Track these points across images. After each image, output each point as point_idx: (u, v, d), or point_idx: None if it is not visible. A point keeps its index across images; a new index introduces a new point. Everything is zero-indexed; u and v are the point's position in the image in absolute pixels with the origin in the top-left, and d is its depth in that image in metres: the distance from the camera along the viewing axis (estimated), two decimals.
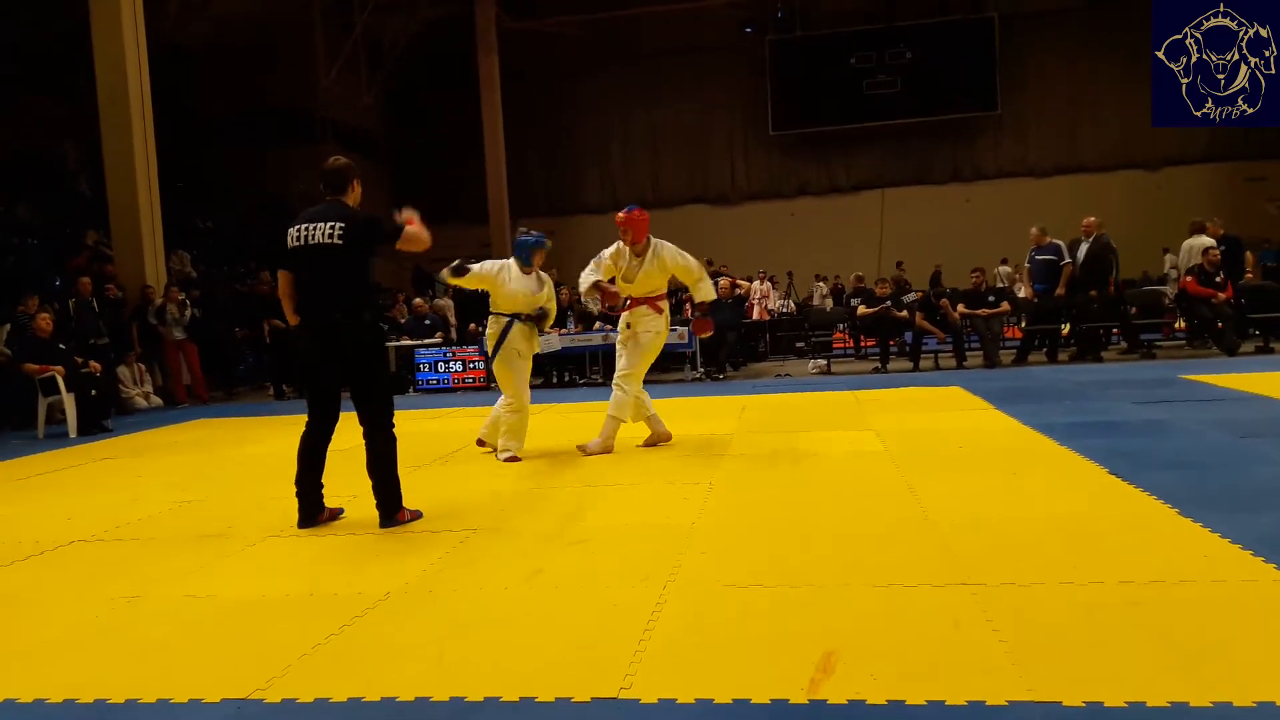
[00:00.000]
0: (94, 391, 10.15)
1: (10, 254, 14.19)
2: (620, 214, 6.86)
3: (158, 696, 2.79)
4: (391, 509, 4.79)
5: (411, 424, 8.97)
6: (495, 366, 6.87)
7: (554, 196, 26.75)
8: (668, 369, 13.63)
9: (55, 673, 3.04)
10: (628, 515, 4.82)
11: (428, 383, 13.05)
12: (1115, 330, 12.87)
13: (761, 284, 17.37)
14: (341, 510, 5.09)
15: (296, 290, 4.71)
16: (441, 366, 13.06)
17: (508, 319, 6.76)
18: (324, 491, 4.95)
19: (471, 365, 12.97)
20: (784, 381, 11.74)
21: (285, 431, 8.71)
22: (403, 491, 4.88)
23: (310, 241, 4.57)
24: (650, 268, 6.83)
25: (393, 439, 4.82)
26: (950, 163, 25.47)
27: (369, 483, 4.85)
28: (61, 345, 10.38)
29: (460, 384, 12.93)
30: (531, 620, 3.28)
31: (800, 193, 26.08)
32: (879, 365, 12.41)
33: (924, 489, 4.92)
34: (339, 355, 4.68)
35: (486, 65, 23.44)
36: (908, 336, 12.52)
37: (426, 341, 13.49)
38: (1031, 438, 6.37)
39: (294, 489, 4.87)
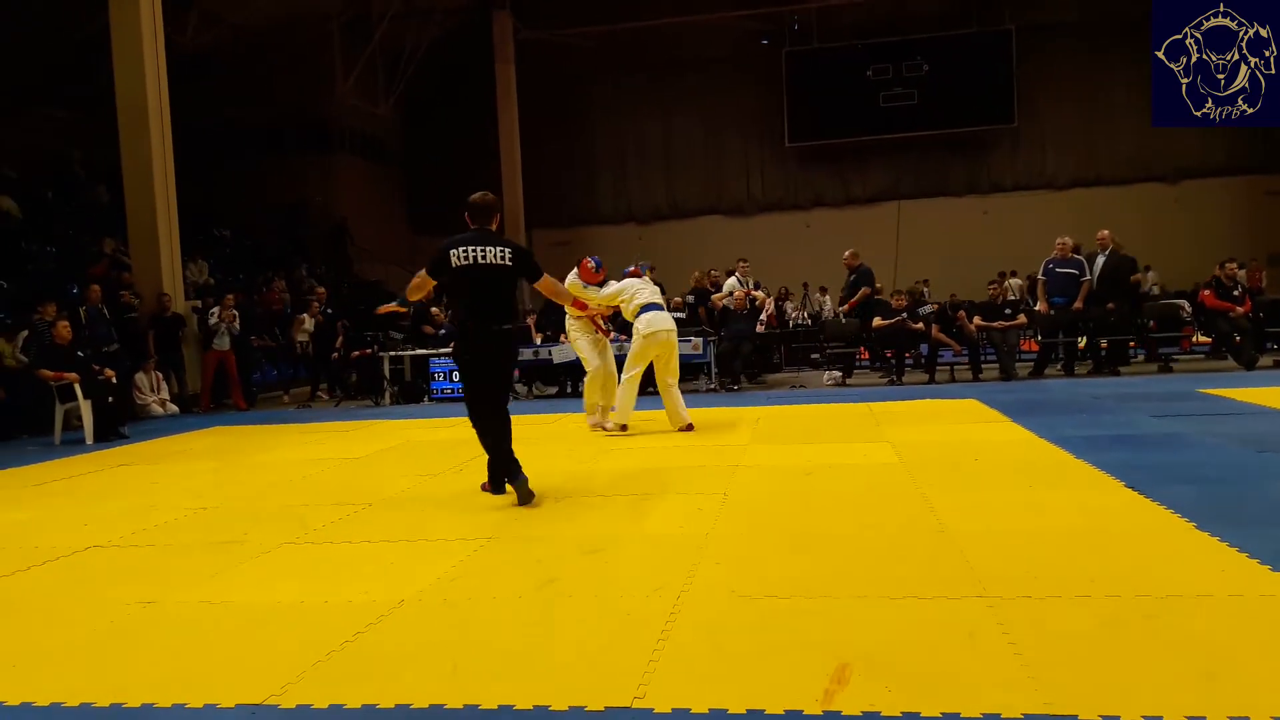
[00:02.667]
0: (110, 398, 10.22)
1: (29, 261, 14.32)
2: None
3: (173, 701, 2.81)
4: (512, 471, 5.45)
5: (426, 433, 9.04)
6: None
7: (569, 206, 26.80)
8: (682, 379, 13.61)
9: (72, 677, 3.06)
10: (642, 525, 4.82)
11: (442, 392, 13.07)
12: (1132, 344, 12.79)
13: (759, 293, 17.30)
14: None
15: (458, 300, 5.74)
16: (456, 376, 13.08)
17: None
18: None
19: None
20: (799, 393, 11.71)
21: (301, 440, 8.76)
22: (414, 497, 4.92)
23: (481, 261, 5.38)
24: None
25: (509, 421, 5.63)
26: (966, 175, 25.40)
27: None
28: (80, 353, 10.45)
29: None
30: (545, 629, 3.28)
31: (815, 204, 26.05)
32: (894, 377, 12.37)
33: (939, 501, 4.90)
34: (499, 356, 5.59)
35: (503, 75, 23.56)
36: (923, 348, 12.47)
37: (441, 351, 13.52)
38: (1048, 450, 6.33)
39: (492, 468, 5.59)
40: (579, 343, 8.70)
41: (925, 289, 19.96)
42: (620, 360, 8.66)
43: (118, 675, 3.06)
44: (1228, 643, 2.85)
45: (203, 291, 14.91)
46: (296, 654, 3.13)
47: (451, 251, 5.40)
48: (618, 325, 10.14)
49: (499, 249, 5.41)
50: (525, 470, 5.37)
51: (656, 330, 8.14)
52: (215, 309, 13.14)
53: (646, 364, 8.38)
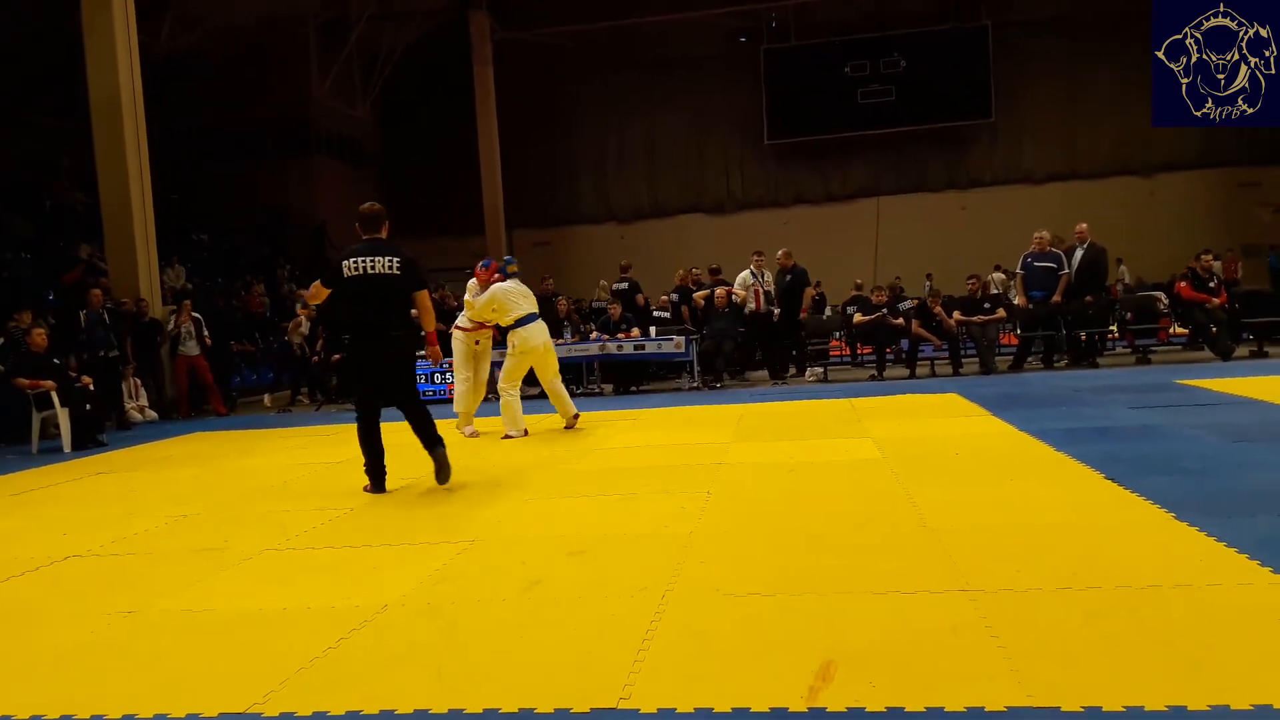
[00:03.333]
0: (88, 406, 10.12)
1: (4, 268, 14.18)
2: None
3: (155, 711, 2.78)
4: (437, 441, 6.00)
5: (407, 436, 8.97)
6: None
7: (550, 207, 26.78)
8: (666, 377, 13.64)
9: (52, 688, 3.03)
10: (626, 525, 4.82)
11: (424, 394, 13.01)
12: (1110, 335, 12.90)
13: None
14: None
15: (348, 309, 5.92)
16: (438, 378, 13.04)
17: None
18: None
19: None
20: (781, 390, 11.74)
21: (281, 445, 8.72)
22: (397, 500, 4.93)
23: (370, 271, 5.75)
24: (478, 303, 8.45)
25: (426, 409, 6.11)
26: (945, 170, 25.54)
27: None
28: (55, 360, 10.35)
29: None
30: (530, 631, 3.28)
31: (796, 201, 26.13)
32: (875, 373, 12.42)
33: (921, 496, 4.92)
34: (392, 360, 5.98)
35: (481, 76, 23.50)
36: (904, 344, 12.53)
37: (419, 353, 13.47)
38: (1028, 444, 6.38)
39: (366, 465, 6.03)
40: (456, 350, 8.79)
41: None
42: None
43: (99, 685, 3.03)
44: (1207, 632, 2.88)
45: (180, 296, 14.79)
46: (280, 661, 3.11)
47: (344, 263, 5.81)
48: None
49: (388, 259, 5.80)
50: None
51: (534, 346, 8.32)
52: (173, 315, 12.99)
53: (524, 375, 8.56)
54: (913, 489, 5.11)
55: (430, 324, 6.24)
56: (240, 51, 20.78)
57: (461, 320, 8.75)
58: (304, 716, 2.70)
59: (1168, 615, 3.04)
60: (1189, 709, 2.37)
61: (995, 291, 14.48)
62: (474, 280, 8.55)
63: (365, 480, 6.02)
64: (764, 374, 13.32)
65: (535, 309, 8.49)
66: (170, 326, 12.86)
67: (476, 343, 8.74)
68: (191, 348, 12.85)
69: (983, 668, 2.71)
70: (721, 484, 5.67)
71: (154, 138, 13.49)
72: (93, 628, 3.63)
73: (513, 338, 8.30)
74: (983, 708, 2.45)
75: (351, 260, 5.80)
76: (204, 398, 13.26)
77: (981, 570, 3.59)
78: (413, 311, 6.10)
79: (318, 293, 6.09)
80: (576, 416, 8.77)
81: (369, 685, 2.88)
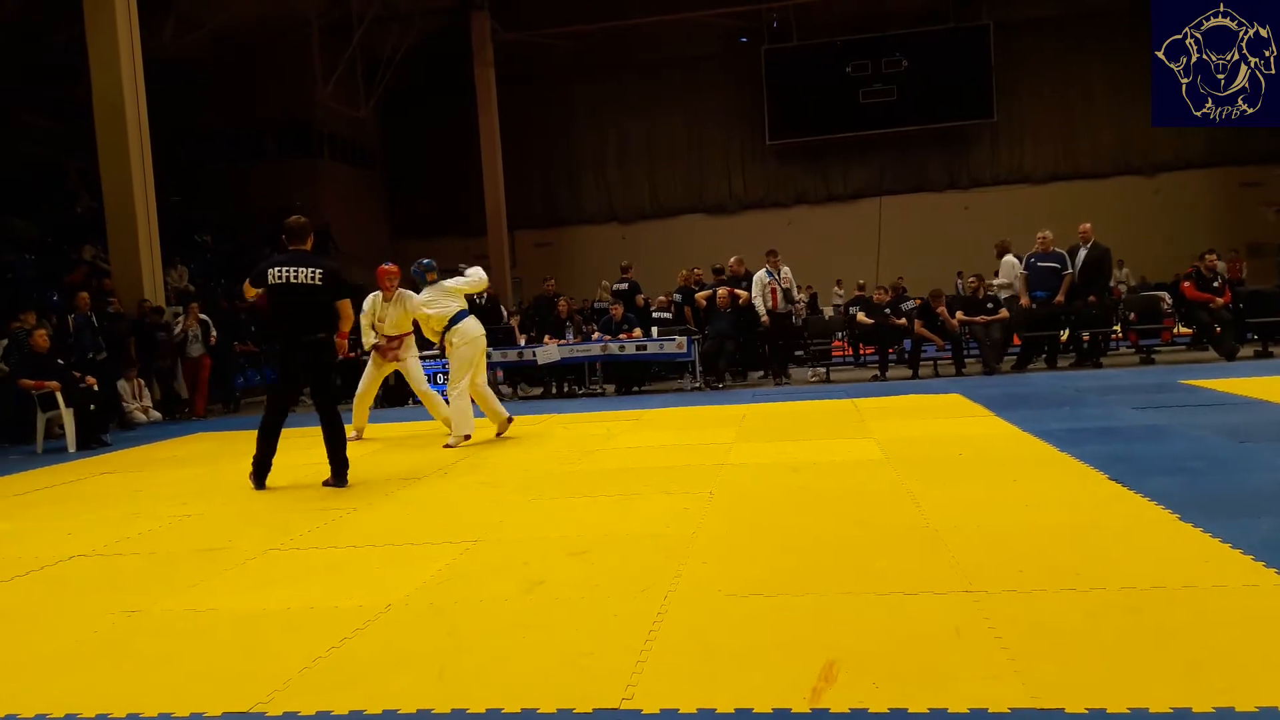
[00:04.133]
0: (92, 406, 10.14)
1: (8, 270, 14.20)
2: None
3: (159, 710, 2.79)
4: (343, 471, 6.36)
5: (409, 435, 9.01)
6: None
7: (552, 207, 26.82)
8: (667, 377, 13.64)
9: (57, 687, 3.03)
10: (628, 525, 4.81)
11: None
12: (1114, 335, 12.89)
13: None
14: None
15: (270, 314, 6.30)
16: (440, 378, 13.03)
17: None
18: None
19: None
20: (783, 390, 11.73)
21: (284, 445, 8.70)
22: (399, 501, 4.94)
23: (293, 281, 6.13)
24: (398, 312, 8.59)
25: (341, 424, 6.42)
26: (947, 170, 25.54)
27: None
28: (59, 360, 10.36)
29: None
30: (532, 631, 3.28)
31: (797, 201, 26.15)
32: (878, 373, 12.41)
33: (924, 496, 4.92)
34: (309, 364, 6.34)
35: (483, 77, 23.52)
36: (906, 344, 12.52)
37: (424, 354, 13.47)
38: (1032, 444, 6.37)
39: (254, 458, 6.37)
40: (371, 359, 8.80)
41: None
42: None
43: (103, 685, 3.03)
44: (1212, 633, 2.88)
45: (184, 297, 14.81)
46: (283, 661, 3.11)
47: (269, 270, 6.24)
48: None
49: (310, 270, 6.19)
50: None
51: (477, 336, 8.15)
52: (180, 318, 13.03)
53: (470, 371, 8.12)
54: (916, 489, 5.10)
55: (347, 326, 6.57)
56: (243, 53, 20.82)
57: (377, 339, 8.69)
58: (307, 716, 2.70)
59: (1172, 616, 3.03)
60: (1194, 711, 2.36)
61: (990, 291, 14.45)
62: (379, 294, 8.61)
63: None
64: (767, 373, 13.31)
65: (466, 305, 8.30)
66: (178, 330, 12.89)
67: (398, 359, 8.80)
68: (196, 350, 12.89)
69: (986, 668, 2.70)
70: (724, 484, 5.66)
71: (157, 140, 13.51)
72: (97, 627, 3.63)
73: (451, 336, 8.09)
74: (986, 709, 2.45)
75: (276, 269, 6.20)
76: (212, 398, 13.30)
77: (985, 571, 3.59)
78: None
79: (248, 290, 6.52)
80: (510, 421, 8.50)
81: (372, 685, 2.88)
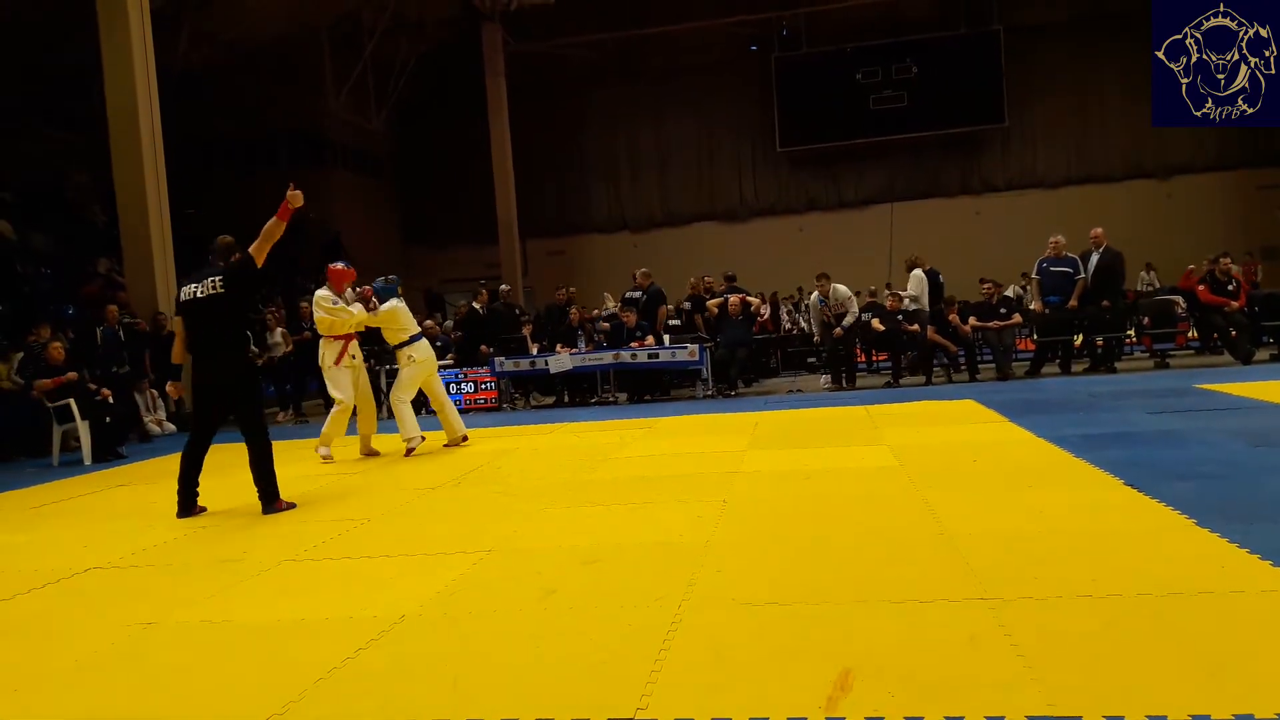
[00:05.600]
0: (107, 419, 10.19)
1: (24, 283, 14.31)
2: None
3: None
4: (271, 499, 6.02)
5: (422, 446, 9.02)
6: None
7: (563, 216, 26.88)
8: (679, 385, 13.63)
9: (74, 699, 3.05)
10: (641, 534, 4.81)
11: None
12: (1129, 340, 12.82)
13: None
14: (205, 508, 6.16)
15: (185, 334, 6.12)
16: (453, 387, 13.08)
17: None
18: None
19: (484, 386, 12.99)
20: (796, 397, 11.72)
21: (299, 456, 8.74)
22: (413, 511, 4.93)
23: (198, 297, 5.91)
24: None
25: (268, 443, 6.07)
26: (959, 176, 25.48)
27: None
28: (73, 373, 10.43)
29: (472, 404, 12.95)
30: (546, 641, 3.28)
31: (809, 208, 26.13)
32: (891, 380, 12.38)
33: (939, 503, 4.90)
34: (220, 386, 6.05)
35: (494, 87, 23.61)
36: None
37: (441, 364, 13.51)
38: (1046, 450, 6.34)
39: (177, 488, 6.10)
40: (333, 371, 8.36)
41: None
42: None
43: (120, 697, 3.05)
44: (1230, 640, 2.85)
45: None
46: (298, 672, 3.12)
47: (180, 291, 6.07)
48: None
49: (211, 280, 5.93)
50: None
51: (429, 358, 8.77)
52: None
53: (418, 387, 8.77)
54: (930, 496, 5.08)
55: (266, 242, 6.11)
56: (255, 65, 20.94)
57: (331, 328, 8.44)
58: None
59: (1190, 622, 3.01)
60: (1212, 717, 2.35)
61: (1008, 295, 14.42)
62: (326, 290, 8.37)
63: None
64: (777, 381, 13.30)
65: (419, 330, 8.94)
66: None
67: (354, 357, 8.47)
68: None
69: (1002, 676, 2.69)
70: (737, 493, 5.65)
71: (170, 151, 13.60)
72: (113, 639, 3.64)
73: (409, 351, 8.59)
74: (1003, 717, 2.43)
75: (182, 289, 6.05)
76: None
77: (1000, 578, 3.57)
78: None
79: (177, 326, 6.26)
80: (465, 439, 8.84)
81: (386, 696, 2.88)
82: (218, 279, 5.92)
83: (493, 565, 4.36)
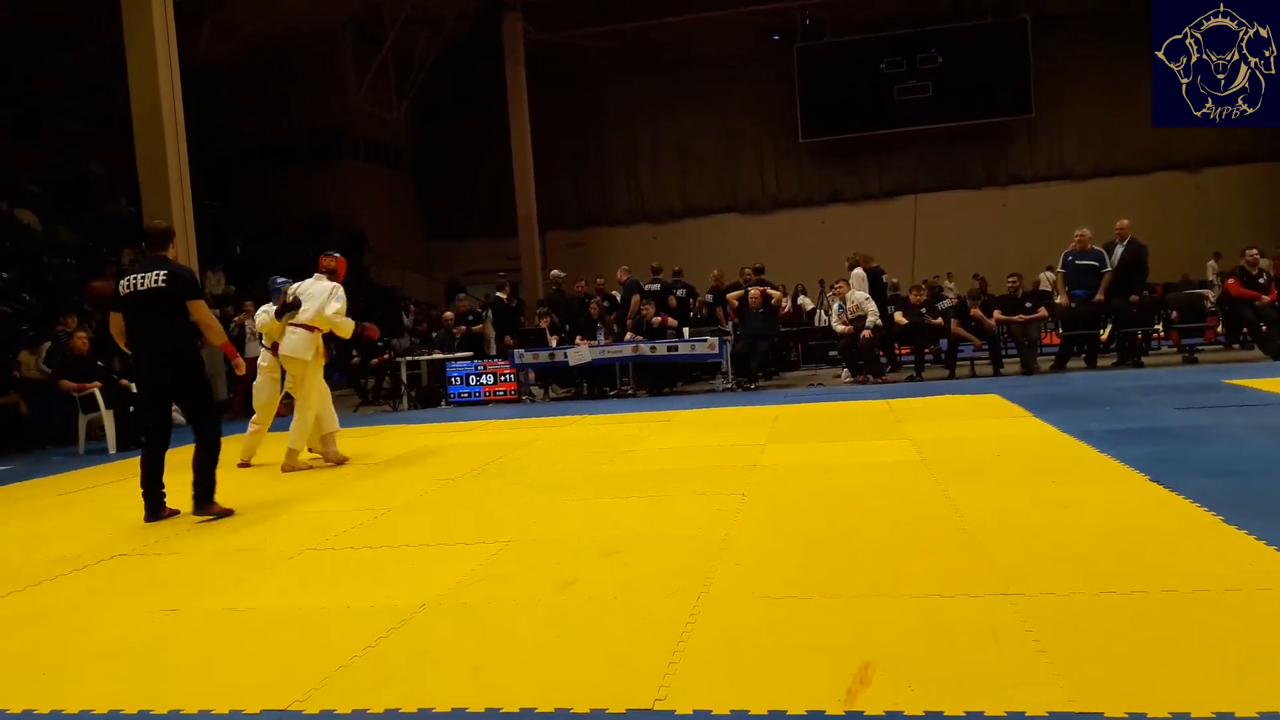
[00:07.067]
0: (131, 408, 10.30)
1: (50, 274, 14.46)
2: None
3: (199, 708, 2.83)
4: (204, 499, 5.80)
5: (443, 437, 9.07)
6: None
7: (583, 208, 26.84)
8: (699, 378, 13.61)
9: (98, 684, 3.09)
10: (660, 527, 4.81)
11: (459, 396, 13.12)
12: (1156, 334, 12.68)
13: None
14: (178, 511, 5.88)
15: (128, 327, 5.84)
16: (473, 380, 13.13)
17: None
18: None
19: (503, 378, 13.02)
20: (816, 391, 11.67)
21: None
22: (433, 502, 4.94)
23: (140, 288, 5.64)
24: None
25: (218, 442, 5.90)
26: (984, 167, 25.22)
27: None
28: (99, 362, 10.54)
29: (492, 397, 12.99)
30: (565, 631, 3.28)
31: (832, 200, 25.95)
32: (914, 374, 12.31)
33: (961, 498, 4.86)
34: (164, 378, 5.80)
35: (514, 77, 23.59)
36: (943, 344, 12.40)
37: (458, 355, 13.58)
38: (1071, 445, 6.28)
39: (141, 491, 5.83)
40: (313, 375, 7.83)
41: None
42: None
43: (144, 682, 3.08)
44: (1256, 637, 2.82)
45: (222, 302, 15.00)
46: (320, 659, 3.14)
47: (120, 282, 5.79)
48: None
49: (155, 273, 5.67)
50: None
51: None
52: (236, 316, 13.20)
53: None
54: (952, 491, 5.05)
55: (216, 338, 6.02)
56: (276, 59, 21.02)
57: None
58: (344, 714, 2.72)
59: (1215, 620, 2.97)
60: (1237, 715, 2.32)
61: (1045, 289, 14.31)
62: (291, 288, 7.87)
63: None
64: (798, 374, 13.25)
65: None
66: (234, 328, 12.99)
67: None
68: (253, 349, 12.91)
69: (1024, 672, 2.67)
70: (756, 486, 5.64)
71: (192, 145, 13.68)
72: (137, 625, 3.68)
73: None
74: (1024, 712, 2.42)
75: (125, 279, 5.76)
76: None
77: (1022, 573, 3.54)
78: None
79: (115, 320, 5.93)
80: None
81: (407, 684, 2.90)
82: (161, 273, 5.65)
83: (512, 556, 4.37)
